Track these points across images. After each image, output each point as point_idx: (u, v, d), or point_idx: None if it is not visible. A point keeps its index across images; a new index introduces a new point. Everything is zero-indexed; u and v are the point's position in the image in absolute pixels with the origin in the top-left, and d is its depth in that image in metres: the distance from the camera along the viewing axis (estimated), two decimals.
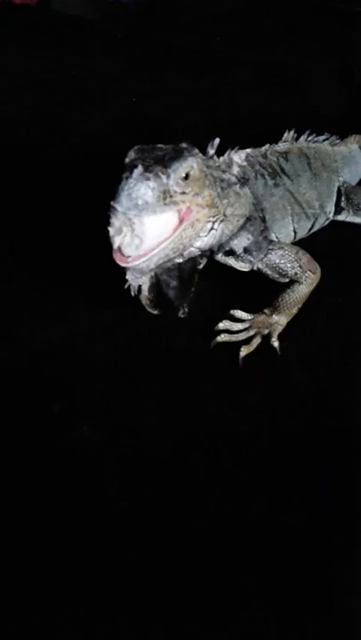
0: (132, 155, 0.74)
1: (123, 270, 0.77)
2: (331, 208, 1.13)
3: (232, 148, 0.94)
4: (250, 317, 0.94)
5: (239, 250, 0.92)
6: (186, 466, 0.77)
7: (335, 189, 1.14)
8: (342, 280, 1.05)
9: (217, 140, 0.86)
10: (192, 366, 0.91)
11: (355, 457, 0.78)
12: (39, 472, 0.77)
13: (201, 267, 0.89)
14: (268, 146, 1.03)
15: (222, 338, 0.92)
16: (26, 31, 2.48)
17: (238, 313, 0.95)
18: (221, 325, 0.93)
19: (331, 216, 1.14)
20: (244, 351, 0.89)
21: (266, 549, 0.69)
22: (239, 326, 0.93)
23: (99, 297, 1.01)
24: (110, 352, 0.93)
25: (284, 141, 1.07)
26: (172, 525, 0.71)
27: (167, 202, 0.72)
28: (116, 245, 0.72)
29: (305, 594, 0.65)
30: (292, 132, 1.08)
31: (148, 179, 0.70)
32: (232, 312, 0.95)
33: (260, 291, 0.96)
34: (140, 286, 0.81)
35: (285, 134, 1.08)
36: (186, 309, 0.85)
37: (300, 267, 0.93)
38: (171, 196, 0.72)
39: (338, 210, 1.15)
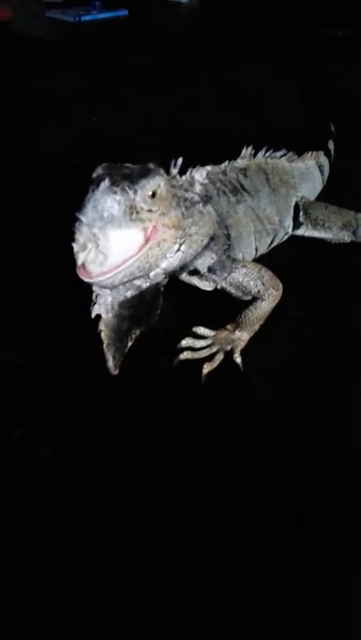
0: (99, 170, 0.74)
1: (86, 290, 0.77)
2: (289, 223, 1.14)
3: (193, 167, 0.94)
4: (212, 334, 0.94)
5: (203, 269, 0.92)
6: (149, 486, 0.76)
7: (293, 204, 1.15)
8: (303, 294, 1.06)
9: (180, 160, 0.86)
10: (155, 385, 0.90)
11: (319, 470, 0.78)
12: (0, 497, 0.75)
13: (163, 288, 0.87)
14: (227, 162, 1.04)
15: (185, 355, 0.91)
16: None
17: (201, 330, 0.95)
18: (184, 343, 0.93)
19: (290, 231, 1.16)
20: (206, 368, 0.89)
21: (232, 566, 0.68)
22: (202, 343, 0.93)
23: (58, 318, 1.00)
24: (72, 373, 0.91)
25: (243, 157, 1.08)
26: (137, 547, 0.69)
27: (133, 217, 0.71)
28: (80, 262, 0.71)
29: (275, 610, 0.64)
30: (250, 149, 1.09)
31: (115, 192, 0.69)
32: (194, 329, 0.95)
33: (222, 307, 0.96)
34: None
35: (243, 150, 1.09)
36: (134, 336, 0.84)
37: (262, 284, 0.93)
38: (137, 212, 0.72)
39: (296, 224, 1.16)
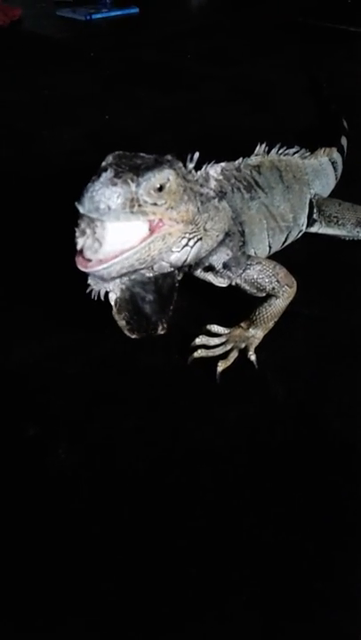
0: (109, 159, 0.73)
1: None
2: (303, 220, 1.14)
3: (208, 162, 0.93)
4: (226, 332, 0.94)
5: (218, 265, 0.92)
6: (164, 484, 0.76)
7: (307, 201, 1.14)
8: (317, 292, 1.05)
9: (197, 154, 0.85)
10: (169, 383, 0.90)
11: (334, 468, 0.78)
12: (14, 496, 0.75)
13: (178, 283, 0.87)
14: (241, 159, 1.04)
15: (199, 353, 0.91)
16: None
17: (215, 327, 0.95)
18: (198, 341, 0.92)
19: (303, 228, 1.15)
20: (221, 366, 0.88)
21: (247, 566, 0.67)
22: (216, 341, 0.93)
23: (71, 315, 1.00)
24: (85, 371, 0.91)
25: (257, 155, 1.07)
26: (151, 546, 0.69)
27: (135, 210, 0.70)
28: (78, 246, 0.71)
29: (287, 609, 0.64)
30: (263, 146, 1.09)
31: (115, 184, 0.68)
32: (208, 327, 0.95)
33: (236, 304, 0.95)
34: (107, 292, 0.77)
35: (257, 147, 1.08)
36: (165, 325, 0.84)
37: (277, 281, 0.92)
38: (140, 205, 0.70)
39: (310, 222, 1.15)
